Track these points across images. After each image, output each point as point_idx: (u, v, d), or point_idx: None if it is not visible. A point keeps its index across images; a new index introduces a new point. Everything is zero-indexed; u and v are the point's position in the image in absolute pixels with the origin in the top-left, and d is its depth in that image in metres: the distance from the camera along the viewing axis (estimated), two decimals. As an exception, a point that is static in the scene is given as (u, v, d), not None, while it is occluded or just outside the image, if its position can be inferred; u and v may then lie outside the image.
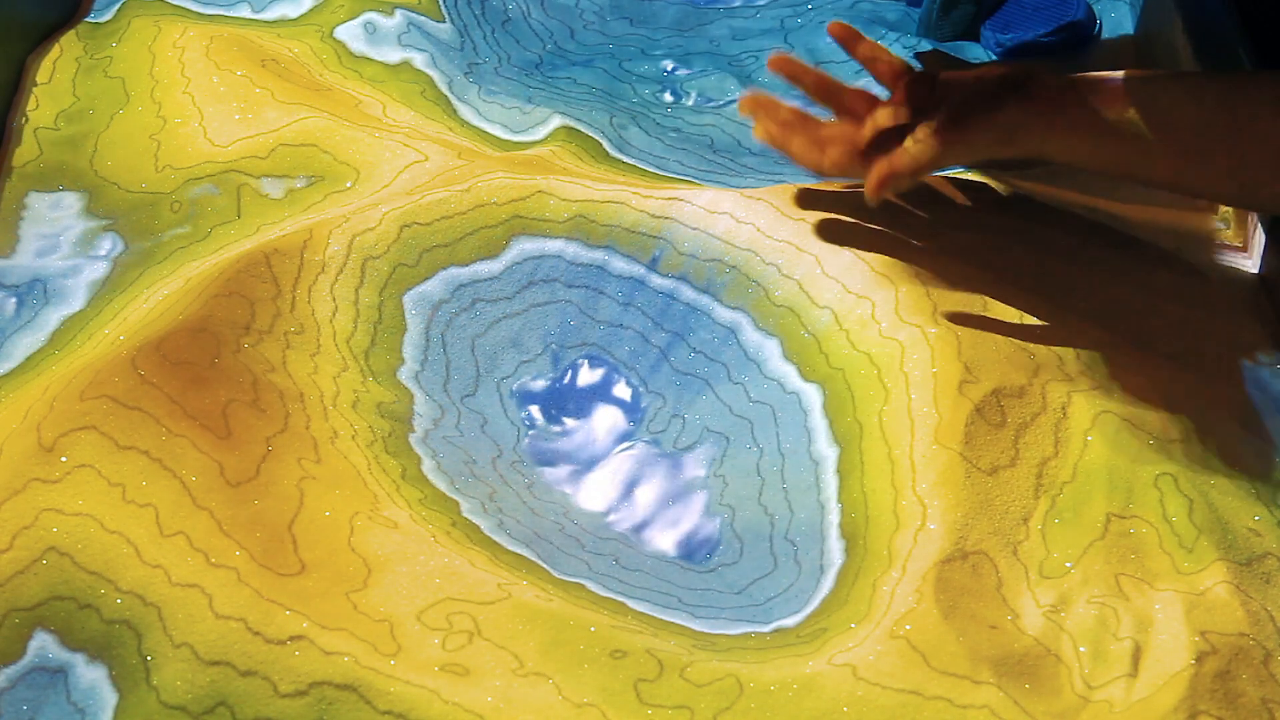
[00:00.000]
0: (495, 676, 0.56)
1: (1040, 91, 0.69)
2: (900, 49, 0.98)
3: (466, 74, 0.95)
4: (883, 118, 0.72)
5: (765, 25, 1.04)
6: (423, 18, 0.97)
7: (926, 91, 0.72)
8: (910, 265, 0.73)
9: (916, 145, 0.69)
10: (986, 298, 0.72)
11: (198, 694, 0.56)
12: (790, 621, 0.61)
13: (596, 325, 0.76)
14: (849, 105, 0.75)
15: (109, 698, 0.57)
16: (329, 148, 0.84)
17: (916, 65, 0.73)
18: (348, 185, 0.82)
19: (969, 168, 0.87)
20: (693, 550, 0.68)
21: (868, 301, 0.71)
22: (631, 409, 0.74)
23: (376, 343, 0.73)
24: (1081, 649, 0.59)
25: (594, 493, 0.71)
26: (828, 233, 0.75)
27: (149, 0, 0.97)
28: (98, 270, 0.79)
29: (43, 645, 0.58)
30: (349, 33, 0.95)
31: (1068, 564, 0.61)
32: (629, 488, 0.71)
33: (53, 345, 0.73)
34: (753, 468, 0.70)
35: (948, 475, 0.63)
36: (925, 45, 0.99)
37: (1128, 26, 1.02)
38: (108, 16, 0.96)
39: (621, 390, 0.75)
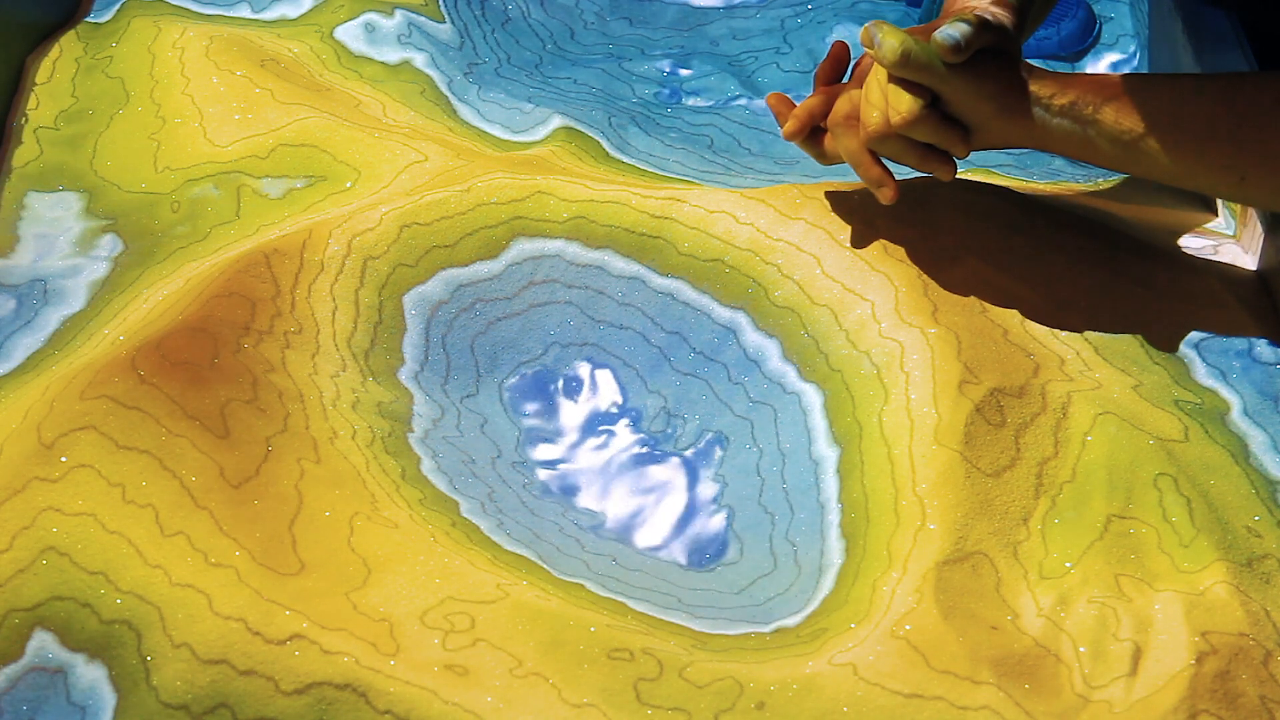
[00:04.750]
0: (495, 677, 0.56)
1: (1020, 110, 0.69)
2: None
3: (466, 74, 0.95)
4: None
5: (765, 25, 1.04)
6: (423, 18, 0.97)
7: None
8: (910, 265, 0.73)
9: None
10: (986, 298, 0.72)
11: (198, 694, 0.56)
12: (790, 621, 0.61)
13: (596, 325, 0.76)
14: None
15: (109, 698, 0.57)
16: (329, 148, 0.84)
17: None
18: (348, 185, 0.82)
19: (969, 167, 0.87)
20: (693, 550, 0.68)
21: (867, 302, 0.71)
22: (631, 410, 0.74)
23: (376, 343, 0.73)
24: (1081, 649, 0.59)
25: (594, 493, 0.71)
26: (827, 232, 0.75)
27: (149, 0, 0.97)
28: (98, 270, 0.79)
29: (42, 645, 0.58)
30: (349, 33, 0.95)
31: (1068, 564, 0.61)
32: (629, 488, 0.71)
33: (52, 345, 0.73)
34: (753, 468, 0.70)
35: (947, 475, 0.63)
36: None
37: (1128, 26, 1.02)
38: (108, 16, 0.96)
39: (621, 391, 0.75)
